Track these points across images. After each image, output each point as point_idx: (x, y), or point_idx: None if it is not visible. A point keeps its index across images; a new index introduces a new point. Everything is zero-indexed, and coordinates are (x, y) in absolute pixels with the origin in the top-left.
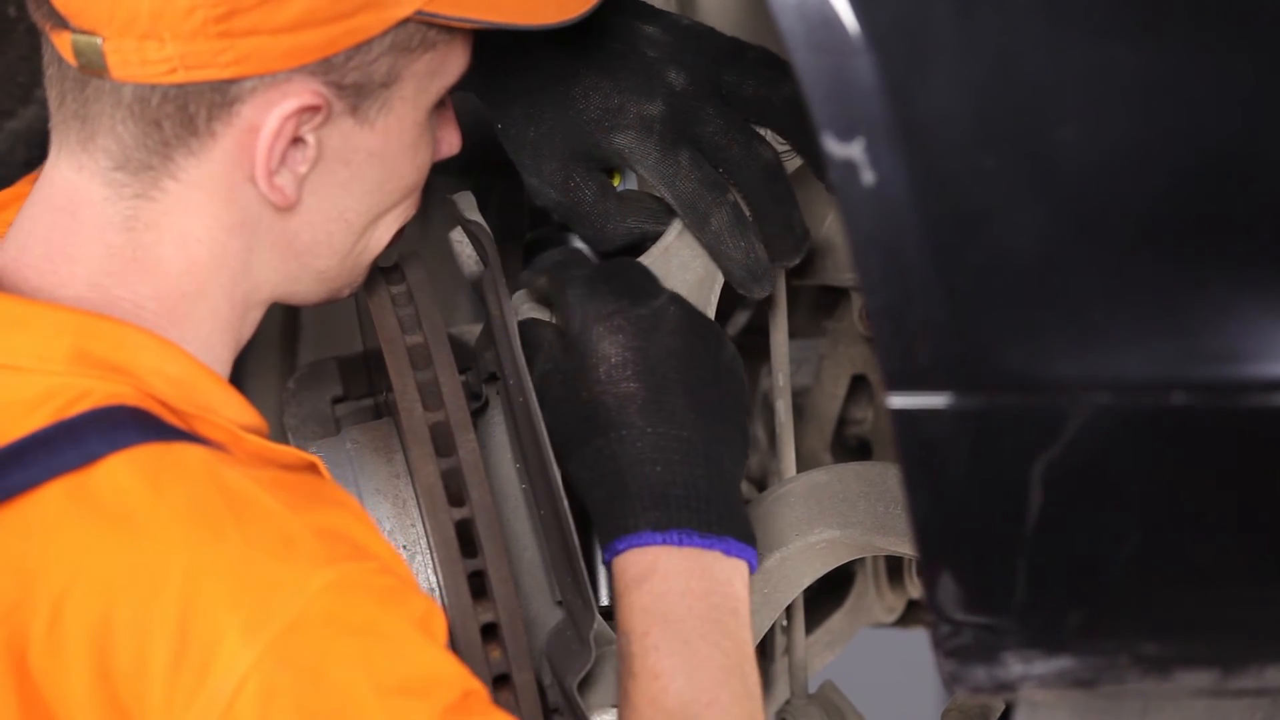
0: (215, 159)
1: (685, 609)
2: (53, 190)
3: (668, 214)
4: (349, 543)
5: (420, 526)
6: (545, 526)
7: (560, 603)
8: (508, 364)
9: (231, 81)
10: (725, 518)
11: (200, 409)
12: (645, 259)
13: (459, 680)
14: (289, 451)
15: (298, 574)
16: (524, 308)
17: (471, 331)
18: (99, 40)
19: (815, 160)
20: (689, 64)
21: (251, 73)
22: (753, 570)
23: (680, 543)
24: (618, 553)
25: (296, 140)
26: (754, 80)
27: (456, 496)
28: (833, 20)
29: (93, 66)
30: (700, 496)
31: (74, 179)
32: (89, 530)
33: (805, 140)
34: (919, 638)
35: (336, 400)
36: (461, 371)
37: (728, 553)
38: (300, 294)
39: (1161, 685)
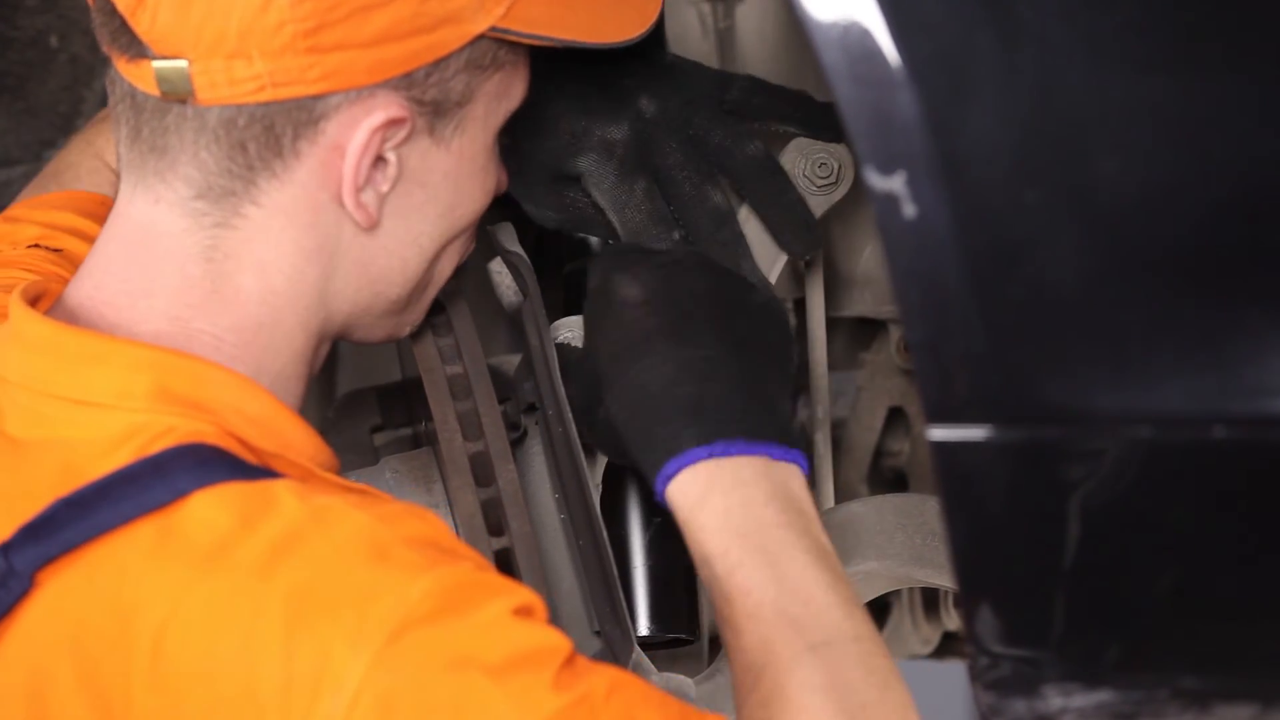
0: (299, 180)
1: (755, 519)
2: (129, 225)
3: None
4: (438, 547)
5: None
6: (584, 557)
7: (598, 633)
8: (546, 394)
9: (317, 98)
10: (765, 423)
11: (278, 446)
12: None
13: (563, 645)
14: (364, 486)
15: (396, 582)
16: (561, 335)
17: (510, 362)
18: (185, 64)
19: (773, 222)
20: (663, 95)
21: (338, 88)
22: (804, 472)
23: (726, 452)
24: (670, 478)
25: (379, 159)
26: (721, 131)
27: (496, 526)
28: (875, 53)
29: (177, 92)
30: (735, 406)
31: (151, 212)
32: (184, 566)
33: (762, 199)
34: (955, 670)
35: (375, 429)
36: (500, 402)
37: (775, 457)
38: (367, 326)
39: None
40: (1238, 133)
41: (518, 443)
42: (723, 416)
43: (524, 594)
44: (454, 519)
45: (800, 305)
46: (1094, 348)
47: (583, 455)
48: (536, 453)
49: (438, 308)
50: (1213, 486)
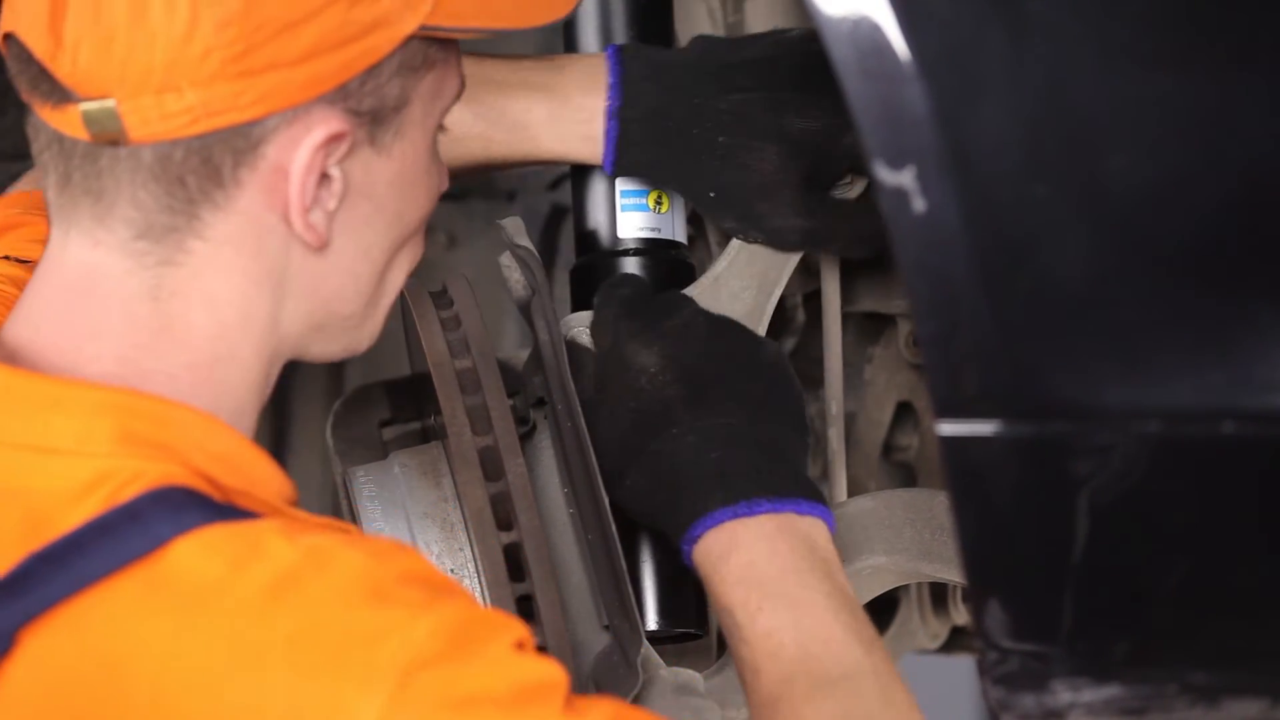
0: (242, 208)
1: (777, 569)
2: (65, 271)
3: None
4: (431, 584)
5: (468, 551)
6: (593, 551)
7: (607, 627)
8: (556, 389)
9: (254, 123)
10: (788, 481)
11: (245, 483)
12: (694, 289)
13: (563, 677)
14: (333, 520)
15: (400, 622)
16: (572, 332)
17: (518, 356)
18: (112, 103)
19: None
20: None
21: (274, 109)
22: (830, 528)
23: (751, 512)
24: (695, 540)
25: (323, 176)
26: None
27: (505, 521)
28: (884, 48)
29: (108, 133)
30: (760, 469)
31: (89, 256)
32: (176, 615)
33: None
34: (963, 664)
35: (384, 424)
36: (509, 396)
37: (801, 512)
38: (320, 346)
39: (1210, 715)
40: (1247, 127)
41: (527, 437)
42: (746, 479)
43: (518, 627)
44: (463, 513)
45: (809, 300)
46: (1103, 343)
47: (592, 450)
48: (545, 447)
49: (446, 302)
50: (1222, 482)
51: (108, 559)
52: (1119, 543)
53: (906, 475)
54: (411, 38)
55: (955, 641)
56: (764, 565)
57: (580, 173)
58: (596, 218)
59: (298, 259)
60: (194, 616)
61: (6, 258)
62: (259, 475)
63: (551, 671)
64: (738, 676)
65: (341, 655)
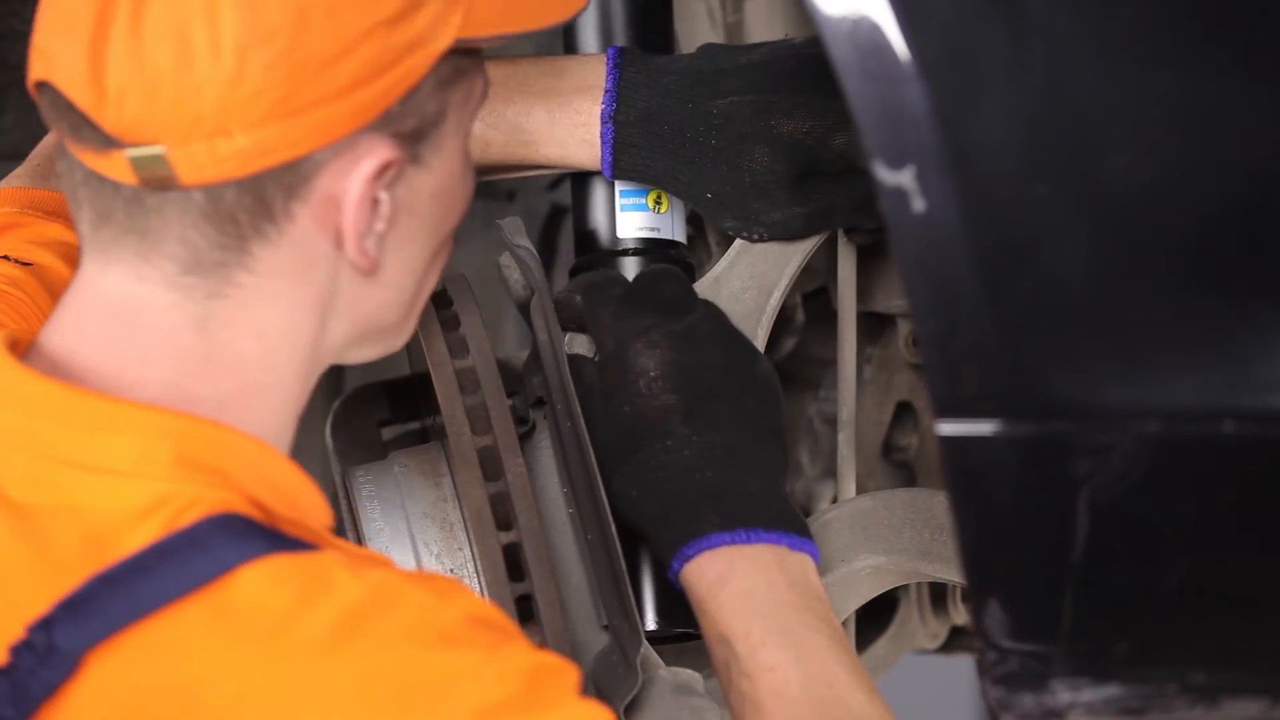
0: (293, 240)
1: (776, 601)
2: (104, 300)
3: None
4: (495, 626)
5: (468, 550)
6: (592, 551)
7: (607, 627)
8: (555, 388)
9: (304, 158)
10: (782, 514)
11: (296, 513)
12: (695, 289)
13: (610, 715)
14: (370, 551)
15: (470, 666)
16: (573, 344)
17: (518, 356)
18: (162, 150)
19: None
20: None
21: (323, 143)
22: (816, 562)
23: (749, 540)
24: (687, 559)
25: (373, 202)
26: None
27: (504, 521)
28: (884, 47)
29: (158, 178)
30: (754, 496)
31: (132, 289)
32: (247, 644)
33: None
34: (963, 664)
35: (383, 423)
36: (508, 396)
37: (793, 546)
38: (359, 353)
39: (1210, 714)
40: (1247, 127)
41: (526, 437)
42: (744, 505)
43: (572, 670)
44: (462, 513)
45: (810, 299)
46: (1103, 342)
47: (591, 450)
48: (545, 447)
49: (445, 302)
50: (1221, 481)
51: (172, 584)
52: (1119, 542)
53: (906, 475)
54: (446, 53)
55: (955, 641)
56: (763, 596)
57: (579, 172)
58: (596, 218)
59: (345, 282)
60: (264, 649)
61: (6, 258)
62: (307, 504)
63: (602, 713)
64: (729, 707)
65: (413, 696)
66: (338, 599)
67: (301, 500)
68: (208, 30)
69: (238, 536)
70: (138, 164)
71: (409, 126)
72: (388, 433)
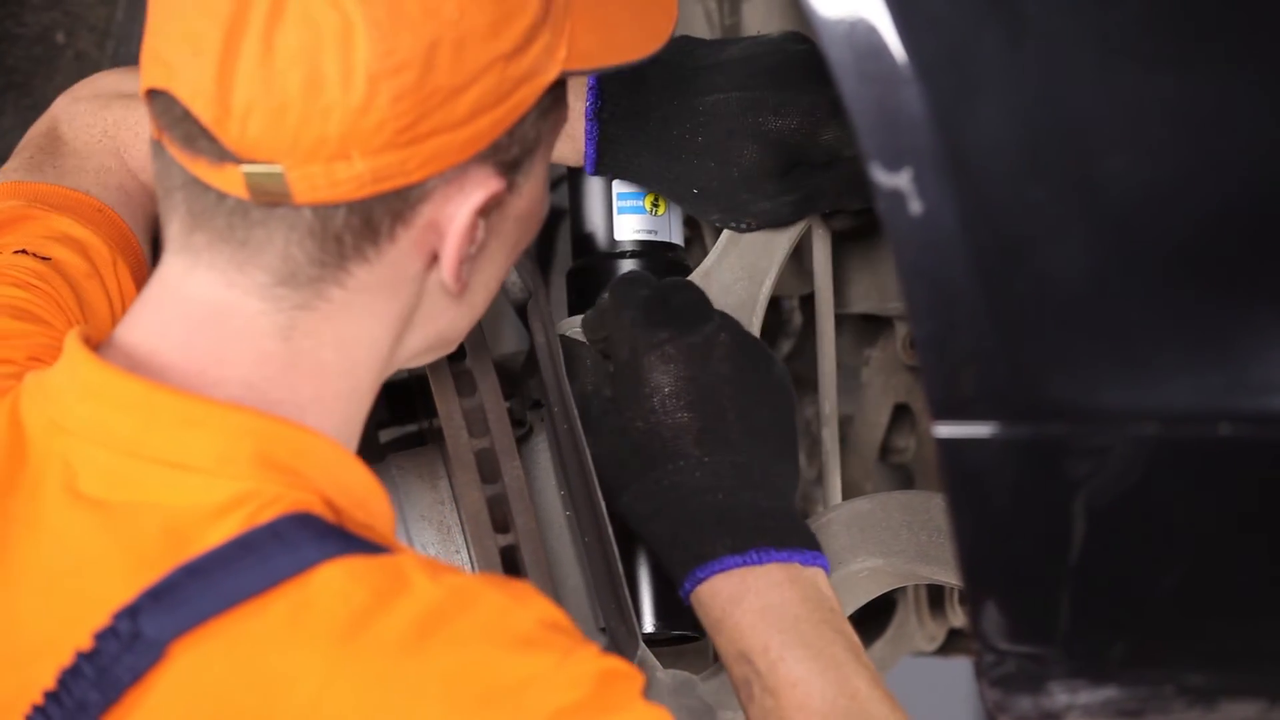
0: (389, 260)
1: (792, 617)
2: (187, 301)
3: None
4: (566, 630)
5: (465, 553)
6: (589, 553)
7: (604, 629)
8: (552, 391)
9: (415, 185)
10: (792, 531)
11: (369, 517)
12: None
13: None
14: (434, 558)
15: (545, 669)
16: (567, 331)
17: (515, 358)
18: (280, 169)
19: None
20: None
21: (436, 171)
22: (827, 573)
23: (761, 560)
24: (699, 581)
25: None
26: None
27: (501, 523)
28: (882, 50)
29: (271, 196)
30: (766, 515)
31: (221, 295)
32: (328, 641)
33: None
34: (960, 666)
35: (380, 426)
36: (505, 398)
37: (805, 562)
38: (419, 361)
39: (1207, 716)
40: (1244, 128)
41: (523, 439)
42: (756, 525)
43: (638, 674)
44: (459, 516)
45: (805, 302)
46: (1100, 344)
47: (588, 451)
48: (542, 449)
49: None
50: (1219, 483)
51: (255, 578)
52: (1116, 544)
53: (903, 477)
54: (551, 85)
55: (952, 643)
56: (779, 613)
57: (576, 175)
58: (593, 220)
59: (430, 301)
60: (344, 644)
61: (24, 251)
62: (376, 508)
63: (666, 715)
64: None
65: (492, 698)
66: (416, 600)
67: (371, 504)
68: (340, 57)
69: (320, 536)
70: (252, 180)
71: (512, 156)
72: (385, 435)
